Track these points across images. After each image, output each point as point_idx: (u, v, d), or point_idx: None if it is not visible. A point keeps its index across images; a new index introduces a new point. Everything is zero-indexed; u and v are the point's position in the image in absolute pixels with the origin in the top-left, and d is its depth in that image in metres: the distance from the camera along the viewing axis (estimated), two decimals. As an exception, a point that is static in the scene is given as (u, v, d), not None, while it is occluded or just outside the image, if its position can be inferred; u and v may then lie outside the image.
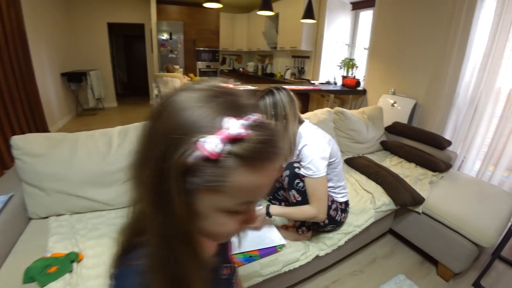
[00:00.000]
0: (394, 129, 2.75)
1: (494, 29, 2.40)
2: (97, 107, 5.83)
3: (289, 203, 1.54)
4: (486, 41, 2.48)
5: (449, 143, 2.45)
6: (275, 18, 5.51)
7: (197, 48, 6.35)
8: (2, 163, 2.86)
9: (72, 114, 5.36)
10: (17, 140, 1.36)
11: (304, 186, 1.22)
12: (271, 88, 1.24)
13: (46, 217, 1.40)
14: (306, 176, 1.21)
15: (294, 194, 1.25)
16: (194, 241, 0.37)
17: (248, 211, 0.39)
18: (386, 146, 2.60)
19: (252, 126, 0.32)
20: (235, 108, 0.34)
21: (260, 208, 1.28)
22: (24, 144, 1.36)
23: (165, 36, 5.79)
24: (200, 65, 6.55)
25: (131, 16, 6.00)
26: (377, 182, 1.88)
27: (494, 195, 1.82)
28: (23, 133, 3.37)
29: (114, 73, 6.30)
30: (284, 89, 1.26)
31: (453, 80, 2.71)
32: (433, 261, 1.81)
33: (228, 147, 0.31)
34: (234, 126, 0.31)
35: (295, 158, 1.31)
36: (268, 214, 1.26)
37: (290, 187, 1.25)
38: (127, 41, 8.35)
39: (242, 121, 0.32)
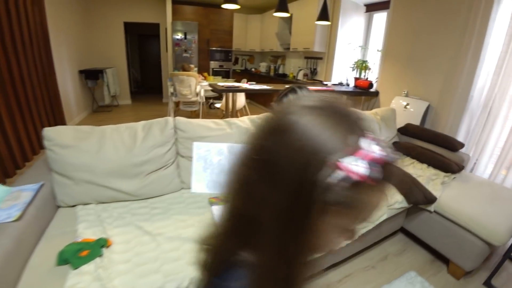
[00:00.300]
0: (406, 130, 2.77)
1: (510, 32, 2.40)
2: (112, 104, 5.98)
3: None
4: (501, 45, 2.49)
5: (461, 145, 2.46)
6: (289, 19, 5.57)
7: (210, 48, 6.46)
8: (23, 156, 3.00)
9: (88, 111, 5.53)
10: (48, 132, 1.45)
11: None
12: (294, 87, 1.30)
13: (73, 206, 1.47)
14: None
15: None
16: (310, 260, 0.36)
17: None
18: (398, 147, 2.62)
19: (383, 147, 0.32)
20: (359, 126, 0.33)
21: None
22: (55, 135, 1.44)
23: (179, 35, 5.92)
24: (213, 64, 6.66)
25: (147, 16, 6.15)
26: (389, 181, 1.92)
27: (506, 197, 1.84)
28: (43, 127, 3.54)
29: (129, 72, 6.46)
30: (306, 88, 1.32)
31: (467, 83, 2.72)
32: (444, 260, 1.84)
33: (373, 169, 0.30)
34: (372, 147, 0.31)
35: None
36: None
37: None
38: (141, 40, 8.53)
39: (376, 142, 0.32)
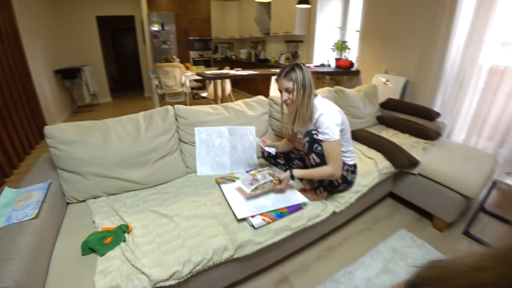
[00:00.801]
0: (388, 104, 2.97)
1: (476, 8, 2.60)
2: (92, 103, 5.84)
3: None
4: (469, 20, 2.69)
5: (438, 114, 2.67)
6: (267, 4, 5.58)
7: (189, 38, 6.38)
8: (9, 162, 2.94)
9: (68, 112, 5.36)
10: (50, 130, 1.45)
11: (322, 149, 1.42)
12: (297, 63, 1.45)
13: (83, 201, 1.51)
14: (323, 141, 1.41)
15: (313, 157, 1.44)
16: None
17: None
18: (381, 120, 2.81)
19: None
20: None
21: (284, 174, 1.47)
22: (58, 133, 1.45)
23: (156, 27, 5.80)
24: (193, 54, 6.59)
25: (120, 9, 5.95)
26: (377, 150, 2.10)
27: (478, 157, 2.07)
28: (25, 132, 3.45)
29: (105, 68, 6.27)
30: (306, 65, 1.45)
31: (440, 57, 2.92)
32: (429, 216, 2.06)
33: None
34: None
35: (312, 126, 1.50)
36: (292, 177, 1.45)
37: (310, 151, 1.44)
38: (114, 35, 8.22)
39: None
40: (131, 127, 1.65)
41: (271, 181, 1.44)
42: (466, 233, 1.91)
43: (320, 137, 1.42)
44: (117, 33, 8.20)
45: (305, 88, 1.43)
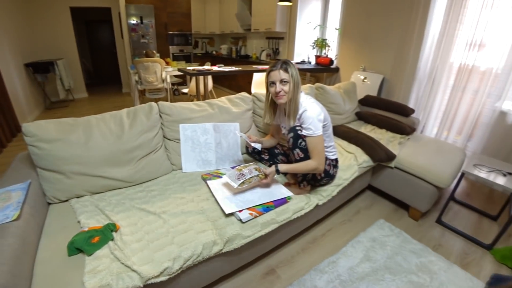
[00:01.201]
0: (366, 101, 3.09)
1: (447, 11, 2.76)
2: (67, 98, 5.59)
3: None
4: (441, 22, 2.85)
5: (412, 111, 2.83)
6: (248, 0, 5.57)
7: (169, 32, 6.24)
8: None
9: (41, 108, 5.09)
10: (28, 127, 1.38)
11: (305, 144, 1.48)
12: (286, 60, 1.51)
13: (65, 201, 1.46)
14: (307, 136, 1.47)
15: (298, 152, 1.50)
16: None
17: None
18: (360, 116, 2.93)
19: None
20: None
21: (269, 168, 1.52)
22: (37, 130, 1.39)
23: (135, 20, 5.62)
24: (173, 49, 6.47)
25: (96, 0, 5.70)
26: (356, 145, 2.19)
27: (449, 150, 2.22)
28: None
29: (80, 62, 6.01)
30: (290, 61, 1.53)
31: (414, 56, 3.08)
32: (405, 207, 2.20)
33: None
34: None
35: (296, 122, 1.55)
36: (278, 171, 1.50)
37: (294, 146, 1.50)
38: (90, 27, 7.88)
39: None
40: (115, 124, 1.62)
41: (257, 175, 1.48)
42: (439, 221, 2.05)
43: (304, 132, 1.48)
44: (93, 25, 7.85)
45: (297, 83, 1.51)
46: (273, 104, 1.69)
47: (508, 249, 1.76)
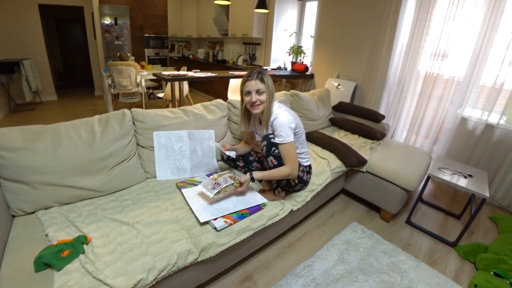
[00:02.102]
0: (339, 107, 3.20)
1: (414, 22, 2.94)
2: (34, 101, 5.28)
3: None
4: (408, 33, 3.02)
5: (383, 117, 2.97)
6: (225, 5, 5.58)
7: (144, 35, 6.11)
8: None
9: (4, 111, 4.77)
10: None
11: (279, 152, 1.51)
12: (260, 70, 1.54)
13: (32, 213, 1.39)
14: (279, 143, 1.51)
15: (271, 160, 1.53)
16: None
17: None
18: (334, 122, 3.03)
19: None
20: None
21: (244, 176, 1.53)
22: (0, 138, 1.32)
23: (109, 20, 5.43)
24: (149, 52, 6.32)
25: (67, -2, 5.47)
26: (330, 151, 2.27)
27: (417, 154, 2.36)
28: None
29: (49, 62, 5.71)
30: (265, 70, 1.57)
31: (384, 65, 3.24)
32: (376, 209, 2.31)
33: None
34: None
35: (269, 130, 1.59)
36: (252, 179, 1.52)
37: (268, 154, 1.53)
38: (60, 26, 7.51)
39: None
40: (86, 131, 1.56)
41: (233, 184, 1.49)
42: (408, 222, 2.17)
43: (276, 140, 1.52)
44: (64, 24, 7.49)
45: (272, 93, 1.56)
46: (247, 112, 1.71)
47: (470, 246, 1.90)
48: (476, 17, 2.53)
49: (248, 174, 1.54)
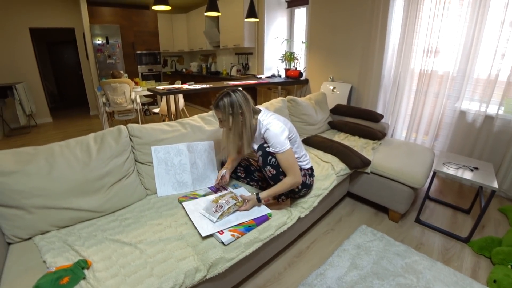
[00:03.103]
0: (337, 110, 3.18)
1: (404, 21, 2.96)
2: (28, 124, 5.23)
3: (265, 181, 1.78)
4: (399, 32, 3.04)
5: (381, 116, 2.94)
6: (215, 17, 5.63)
7: (137, 52, 6.12)
8: None
9: (-2, 136, 4.74)
10: None
11: (276, 161, 1.48)
12: (228, 90, 1.49)
13: (28, 239, 1.33)
14: (276, 153, 1.47)
15: (269, 169, 1.49)
16: None
17: None
18: (333, 125, 3.00)
19: None
20: None
21: (250, 195, 1.52)
22: None
23: (100, 40, 5.45)
24: (142, 69, 6.33)
25: (58, 20, 5.49)
26: (332, 154, 2.23)
27: (419, 151, 2.33)
28: None
29: (43, 85, 5.69)
30: (239, 90, 1.52)
31: (378, 65, 3.24)
32: (384, 210, 2.25)
33: None
34: None
35: (262, 141, 1.56)
36: (259, 199, 1.49)
37: (264, 164, 1.49)
38: (51, 48, 7.52)
39: None
40: (81, 150, 1.51)
41: (235, 204, 1.45)
42: (418, 221, 2.12)
43: (271, 150, 1.49)
44: (55, 47, 7.51)
45: (233, 114, 1.47)
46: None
47: (483, 240, 1.85)
48: (464, 12, 2.55)
49: (254, 195, 1.51)
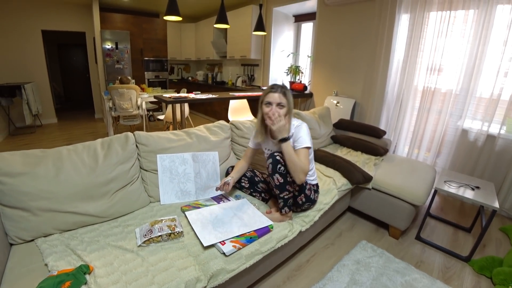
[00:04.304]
0: (340, 124, 3.21)
1: (408, 40, 3.02)
2: (34, 124, 5.29)
3: (268, 193, 1.80)
4: (403, 50, 3.09)
5: (384, 132, 2.97)
6: (224, 28, 5.74)
7: (145, 58, 6.23)
8: None
9: (4, 134, 4.78)
10: None
11: (285, 169, 1.50)
12: (283, 85, 1.61)
13: (31, 241, 1.34)
14: (299, 148, 1.55)
15: (277, 177, 1.51)
16: None
17: None
18: (336, 140, 3.03)
19: None
20: None
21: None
22: (1, 163, 1.29)
23: (110, 45, 5.56)
24: (148, 75, 6.42)
25: (70, 24, 5.63)
26: (334, 168, 2.24)
27: (421, 168, 2.34)
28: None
29: (50, 86, 5.79)
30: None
31: (382, 81, 3.29)
32: (385, 226, 2.25)
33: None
34: None
35: (289, 134, 1.60)
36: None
37: (273, 172, 1.51)
38: (61, 50, 7.66)
39: None
40: (88, 155, 1.54)
41: (169, 234, 1.35)
42: (418, 238, 2.12)
43: (295, 145, 1.57)
44: (65, 48, 7.65)
45: (291, 109, 1.61)
46: (264, 124, 1.68)
47: (484, 260, 1.84)
48: (468, 31, 2.61)
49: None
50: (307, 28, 4.84)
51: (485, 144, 2.59)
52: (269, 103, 1.57)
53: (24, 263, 1.20)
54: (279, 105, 1.55)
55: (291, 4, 4.40)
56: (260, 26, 3.70)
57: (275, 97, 1.55)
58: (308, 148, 1.56)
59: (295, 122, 1.65)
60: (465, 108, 2.70)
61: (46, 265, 1.17)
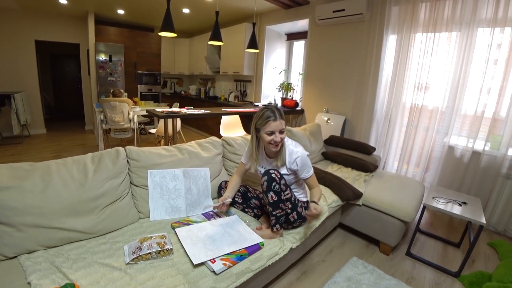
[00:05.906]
0: (331, 141, 3.26)
1: (396, 58, 3.14)
2: (21, 134, 5.17)
3: (260, 209, 1.79)
4: (391, 68, 3.21)
5: (373, 149, 3.03)
6: (217, 45, 5.84)
7: (138, 71, 6.26)
8: None
9: (-11, 145, 4.67)
10: None
11: (279, 187, 1.50)
12: (275, 107, 1.59)
13: (14, 257, 1.29)
14: (309, 177, 1.65)
15: (271, 195, 1.51)
16: None
17: None
18: (326, 156, 3.06)
19: None
20: None
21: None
22: None
23: (103, 57, 5.57)
24: (141, 88, 6.43)
25: (65, 35, 5.66)
26: (325, 185, 2.26)
27: (410, 184, 2.39)
28: None
29: (41, 96, 5.72)
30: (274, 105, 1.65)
31: (371, 99, 3.39)
32: (375, 242, 2.26)
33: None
34: None
35: (288, 165, 1.64)
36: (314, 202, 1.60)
37: (268, 189, 1.50)
38: (54, 61, 7.63)
39: None
40: (78, 170, 1.52)
41: (158, 252, 1.32)
42: (409, 254, 2.13)
43: (303, 175, 1.63)
44: (58, 59, 7.61)
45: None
46: (257, 150, 1.70)
47: (474, 275, 1.87)
48: (452, 49, 2.73)
49: (313, 204, 1.55)
50: (299, 46, 4.98)
51: (471, 160, 2.66)
52: (272, 132, 1.54)
53: (5, 281, 1.15)
54: (281, 131, 1.55)
55: (283, 23, 4.55)
56: (253, 43, 3.80)
57: (277, 125, 1.53)
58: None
59: (288, 144, 1.66)
60: (451, 125, 2.79)
61: (29, 283, 1.13)
